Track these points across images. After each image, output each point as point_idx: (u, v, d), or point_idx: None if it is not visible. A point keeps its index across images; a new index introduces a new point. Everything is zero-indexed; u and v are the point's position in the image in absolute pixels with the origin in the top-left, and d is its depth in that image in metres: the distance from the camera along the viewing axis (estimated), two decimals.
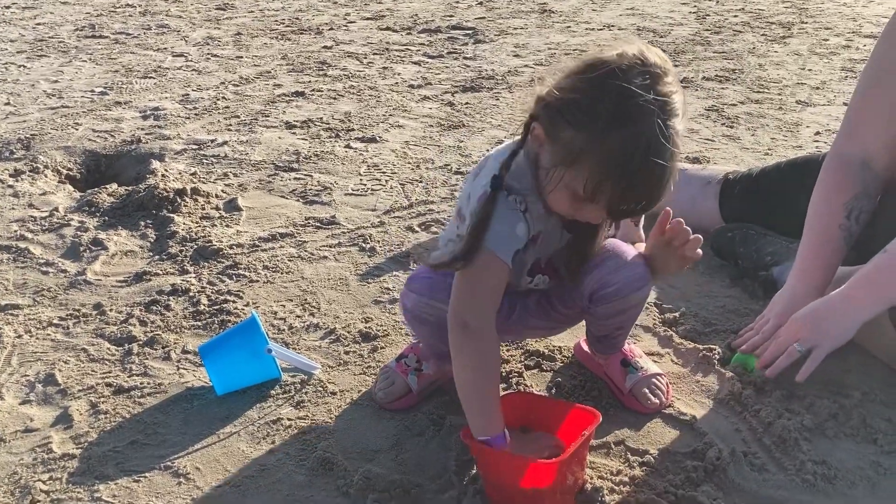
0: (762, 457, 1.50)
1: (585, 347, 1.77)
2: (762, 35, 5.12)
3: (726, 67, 4.32)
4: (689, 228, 1.46)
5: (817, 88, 3.90)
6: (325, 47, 5.02)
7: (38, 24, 5.81)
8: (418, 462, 1.51)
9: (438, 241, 1.58)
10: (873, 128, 1.80)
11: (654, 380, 1.64)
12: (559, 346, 1.86)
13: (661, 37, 5.12)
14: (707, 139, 3.23)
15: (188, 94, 3.99)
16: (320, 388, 1.74)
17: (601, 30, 5.41)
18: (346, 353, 1.87)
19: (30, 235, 2.47)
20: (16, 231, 2.50)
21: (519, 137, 1.39)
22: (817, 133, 3.27)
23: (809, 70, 4.26)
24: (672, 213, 2.44)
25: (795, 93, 3.85)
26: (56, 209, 2.64)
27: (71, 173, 3.08)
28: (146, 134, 3.37)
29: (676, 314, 1.98)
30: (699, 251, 1.48)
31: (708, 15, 5.72)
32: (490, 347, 1.37)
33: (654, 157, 1.22)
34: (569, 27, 5.53)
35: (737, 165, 2.88)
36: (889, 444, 1.52)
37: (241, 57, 4.79)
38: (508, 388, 1.70)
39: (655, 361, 1.75)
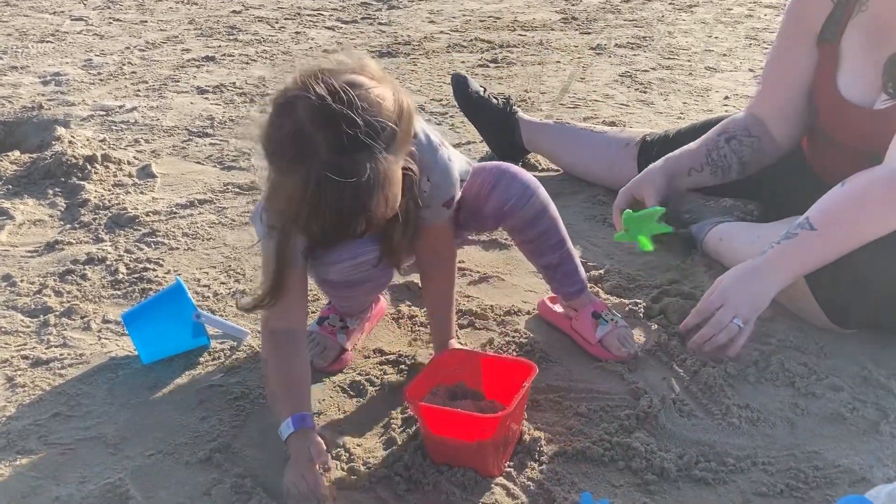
0: (690, 403, 1.56)
1: (550, 305, 1.80)
2: (670, 4, 5.23)
3: (637, 35, 4.40)
4: None
5: (724, 55, 4.02)
6: (233, 12, 4.87)
7: None
8: (359, 422, 1.51)
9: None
10: (770, 97, 1.97)
11: (622, 331, 1.69)
12: (491, 305, 1.87)
13: (573, 4, 5.17)
14: (622, 104, 3.30)
15: (91, 60, 3.81)
16: (251, 354, 1.70)
17: None
18: None
19: None
20: None
21: None
22: (726, 97, 3.37)
23: (716, 38, 4.39)
24: (593, 176, 2.51)
25: (704, 59, 3.96)
26: None
27: None
28: (48, 100, 3.21)
29: (602, 271, 2.02)
30: None
31: None
32: (291, 351, 1.42)
33: (336, 185, 1.17)
34: None
35: (651, 128, 2.95)
36: (805, 386, 1.60)
37: (146, 21, 4.60)
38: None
39: None
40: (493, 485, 1.35)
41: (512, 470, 1.39)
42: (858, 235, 1.63)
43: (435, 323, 1.64)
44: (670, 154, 2.03)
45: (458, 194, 1.54)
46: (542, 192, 1.60)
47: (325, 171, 1.16)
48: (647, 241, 1.79)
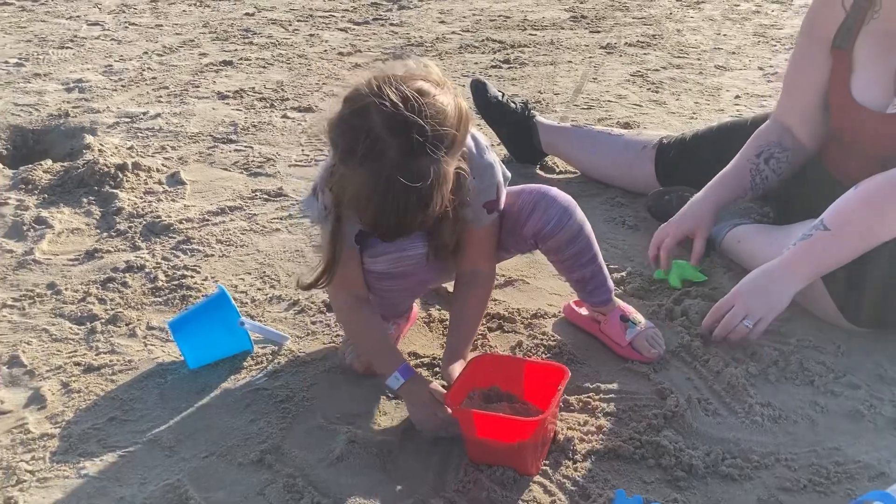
0: (714, 403, 1.63)
1: (576, 309, 1.87)
2: (677, 0, 5.29)
3: (646, 33, 4.46)
4: None
5: (733, 53, 4.08)
6: (246, 14, 4.93)
7: None
8: (401, 423, 1.58)
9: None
10: (793, 106, 2.04)
11: (650, 332, 1.77)
12: (517, 308, 1.95)
13: (581, 2, 5.23)
14: (635, 104, 3.36)
15: (111, 66, 3.88)
16: (293, 358, 1.78)
17: None
18: (313, 323, 1.91)
19: None
20: None
21: None
22: (737, 97, 3.44)
23: (724, 35, 4.45)
24: (611, 178, 2.57)
25: (713, 57, 4.02)
26: None
27: None
28: (73, 107, 3.28)
29: (623, 273, 2.09)
30: None
31: None
32: (365, 314, 1.62)
33: (396, 182, 1.28)
34: None
35: (665, 129, 3.02)
36: (824, 384, 1.67)
37: (161, 25, 4.66)
38: (475, 351, 1.78)
39: None
40: (531, 483, 1.43)
41: (548, 468, 1.46)
42: (872, 236, 1.71)
43: (453, 340, 1.68)
44: (713, 185, 2.05)
45: (502, 200, 1.61)
46: (579, 213, 1.66)
47: (394, 173, 1.28)
48: (680, 283, 1.99)
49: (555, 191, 1.67)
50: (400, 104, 1.28)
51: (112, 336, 1.85)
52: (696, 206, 2.03)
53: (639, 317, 1.78)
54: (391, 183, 1.29)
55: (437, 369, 1.74)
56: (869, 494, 1.22)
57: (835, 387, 1.67)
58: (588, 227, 1.69)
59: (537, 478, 1.44)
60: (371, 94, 1.30)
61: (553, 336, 1.84)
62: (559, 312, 1.93)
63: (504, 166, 1.66)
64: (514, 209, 1.66)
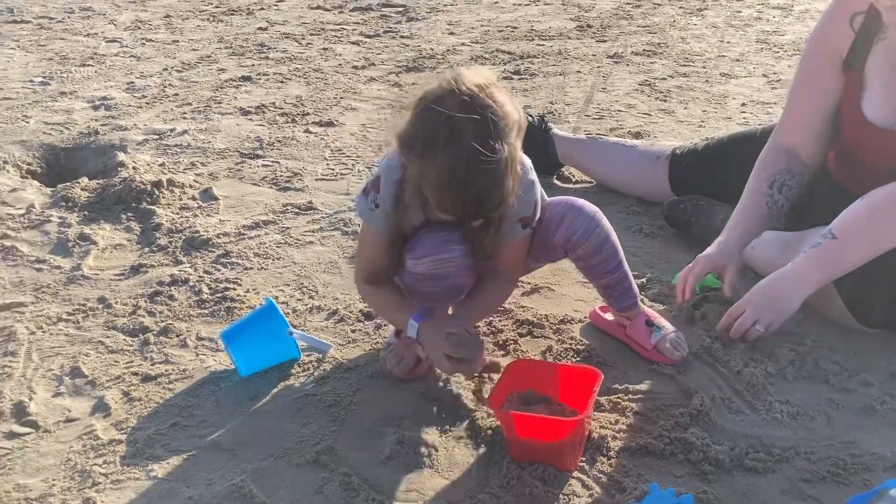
0: (736, 401, 1.74)
1: (601, 314, 1.98)
2: (680, 8, 5.41)
3: (652, 41, 4.58)
4: None
5: (738, 60, 4.20)
6: (260, 29, 5.04)
7: None
8: (442, 424, 1.69)
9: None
10: (798, 124, 2.10)
11: (674, 335, 1.88)
12: (545, 315, 2.06)
13: (586, 11, 5.35)
14: (644, 114, 3.47)
15: (133, 83, 3.99)
16: (337, 365, 1.89)
17: (527, 5, 5.61)
18: (353, 331, 2.02)
19: (12, 234, 2.50)
20: None
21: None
22: (743, 104, 3.55)
23: (728, 42, 4.56)
24: (626, 188, 2.68)
25: (718, 65, 4.14)
26: (32, 206, 2.68)
27: (31, 168, 3.09)
28: (101, 125, 3.39)
29: (643, 280, 2.20)
30: None
31: None
32: (383, 287, 1.76)
33: (478, 163, 1.43)
34: (496, 3, 5.70)
35: (676, 138, 3.13)
36: (839, 382, 1.79)
37: (178, 41, 4.78)
38: (506, 356, 1.90)
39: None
40: (570, 478, 1.54)
41: (585, 464, 1.57)
42: (878, 244, 1.83)
43: (460, 308, 1.80)
44: (734, 224, 2.08)
45: (537, 218, 1.73)
46: (605, 222, 1.78)
47: (473, 154, 1.42)
48: (698, 288, 2.10)
49: (581, 201, 1.79)
50: (474, 91, 1.44)
51: (165, 347, 1.96)
52: (724, 248, 2.05)
53: (663, 321, 1.89)
54: (471, 163, 1.43)
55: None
56: (886, 483, 1.33)
57: (849, 384, 1.78)
58: (614, 235, 1.80)
59: (575, 473, 1.55)
60: (445, 89, 1.45)
61: (581, 340, 1.95)
62: (585, 318, 2.04)
63: (541, 187, 1.76)
64: (544, 221, 1.78)
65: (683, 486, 1.52)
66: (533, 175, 1.70)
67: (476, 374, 1.75)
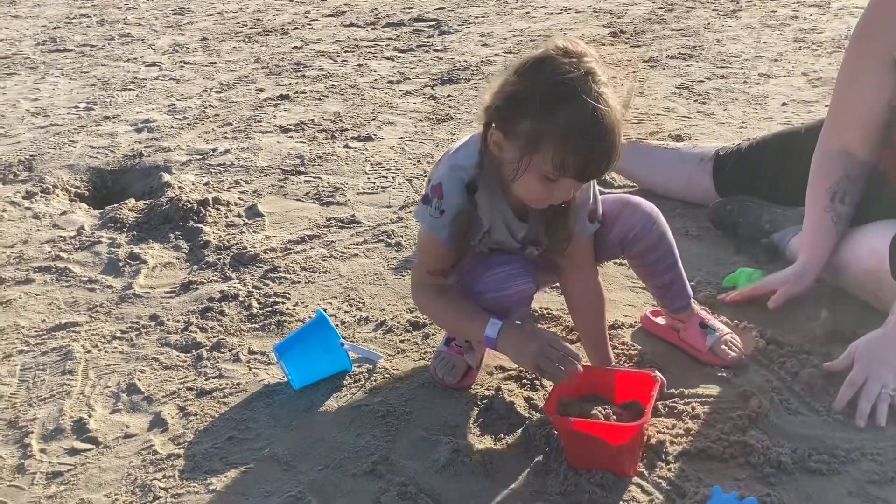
0: (795, 402, 1.71)
1: (653, 318, 1.97)
2: (713, 10, 5.37)
3: (687, 45, 4.55)
4: None
5: (776, 60, 4.15)
6: (295, 48, 5.11)
7: None
8: (496, 432, 1.68)
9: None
10: (849, 125, 2.03)
11: (729, 338, 1.85)
12: None
13: (619, 17, 5.33)
14: (684, 116, 3.45)
15: (174, 105, 4.06)
16: (387, 376, 1.89)
17: (559, 13, 5.61)
18: (402, 341, 2.02)
19: (64, 255, 2.56)
20: (49, 252, 2.58)
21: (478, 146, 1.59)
22: (784, 104, 3.51)
23: (765, 42, 4.51)
24: (669, 192, 2.65)
25: (756, 66, 4.09)
26: (82, 228, 2.73)
27: (79, 191, 3.16)
28: (145, 147, 3.45)
29: (693, 283, 2.16)
30: None
31: None
32: (447, 296, 1.70)
33: (600, 117, 1.41)
34: (528, 13, 5.71)
35: (717, 140, 3.10)
36: None
37: (215, 63, 4.85)
38: None
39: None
40: (629, 483, 1.52)
41: (644, 470, 1.56)
42: None
43: (591, 350, 1.79)
44: (805, 250, 2.06)
45: (600, 209, 1.72)
46: (662, 219, 1.77)
47: (594, 108, 1.40)
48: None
49: (637, 199, 1.78)
50: (579, 50, 1.44)
51: (218, 362, 1.98)
52: (801, 277, 2.02)
53: (716, 322, 1.87)
54: (596, 116, 1.40)
55: (524, 381, 1.84)
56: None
57: None
58: (670, 233, 1.78)
59: (635, 479, 1.53)
60: (550, 52, 1.44)
61: (633, 345, 1.93)
62: (635, 322, 2.02)
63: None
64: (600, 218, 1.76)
65: (745, 490, 1.49)
66: None
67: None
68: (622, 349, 1.92)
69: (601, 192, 1.75)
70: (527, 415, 1.73)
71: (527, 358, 1.56)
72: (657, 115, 3.49)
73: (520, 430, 1.69)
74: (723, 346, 1.83)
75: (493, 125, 1.52)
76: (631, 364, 1.86)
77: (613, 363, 1.79)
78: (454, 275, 1.69)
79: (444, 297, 1.70)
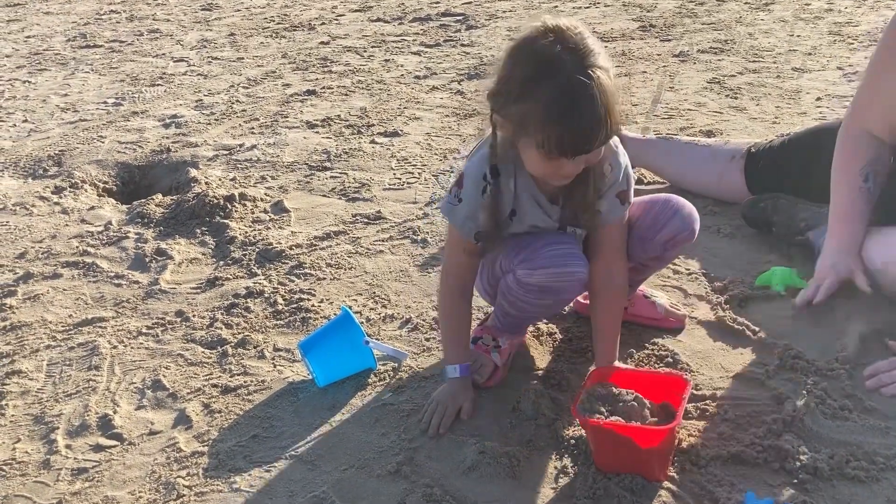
0: (831, 406, 1.66)
1: (584, 301, 1.96)
2: (745, 3, 5.27)
3: (718, 38, 4.47)
4: None
5: (809, 54, 4.07)
6: (322, 43, 5.10)
7: (28, 36, 5.82)
8: (523, 434, 1.65)
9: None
10: (876, 114, 2.03)
11: (667, 298, 2.00)
12: (624, 320, 2.00)
13: (648, 11, 5.26)
14: (715, 111, 3.38)
15: (201, 100, 4.07)
16: (413, 374, 1.87)
17: (588, 7, 5.54)
18: (427, 339, 2.00)
19: (92, 250, 2.56)
20: (77, 247, 2.59)
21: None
22: (818, 99, 3.43)
23: (798, 36, 4.42)
24: (701, 188, 2.60)
25: (789, 60, 4.01)
26: (109, 223, 2.74)
27: (107, 186, 3.17)
28: (172, 142, 3.46)
29: (725, 282, 2.13)
30: None
31: None
32: (459, 305, 1.76)
33: (579, 91, 1.41)
34: (556, 6, 5.65)
35: (749, 136, 3.04)
36: None
37: (242, 58, 4.86)
38: (586, 363, 1.85)
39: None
40: (660, 488, 1.49)
41: (674, 474, 1.52)
42: None
43: (601, 346, 1.76)
44: (844, 227, 2.04)
45: (632, 190, 1.71)
46: (698, 221, 1.79)
47: (574, 81, 1.41)
48: (784, 288, 2.08)
49: (680, 199, 1.79)
50: (560, 25, 1.45)
51: (243, 359, 1.97)
52: (842, 257, 2.00)
53: (651, 290, 1.96)
54: (575, 90, 1.40)
55: (551, 380, 1.81)
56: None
57: None
58: None
59: (665, 483, 1.50)
60: (531, 32, 1.46)
61: (663, 346, 1.89)
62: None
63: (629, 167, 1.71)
64: (648, 218, 1.76)
65: (780, 496, 1.45)
66: (621, 149, 1.67)
67: None
68: (652, 349, 1.88)
69: (641, 191, 1.74)
70: (554, 416, 1.70)
71: (433, 401, 1.73)
72: (688, 110, 3.43)
73: (547, 432, 1.66)
74: (671, 308, 1.92)
75: (494, 111, 1.54)
76: (660, 365, 1.82)
77: (617, 362, 1.75)
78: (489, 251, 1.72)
79: (452, 306, 1.76)
